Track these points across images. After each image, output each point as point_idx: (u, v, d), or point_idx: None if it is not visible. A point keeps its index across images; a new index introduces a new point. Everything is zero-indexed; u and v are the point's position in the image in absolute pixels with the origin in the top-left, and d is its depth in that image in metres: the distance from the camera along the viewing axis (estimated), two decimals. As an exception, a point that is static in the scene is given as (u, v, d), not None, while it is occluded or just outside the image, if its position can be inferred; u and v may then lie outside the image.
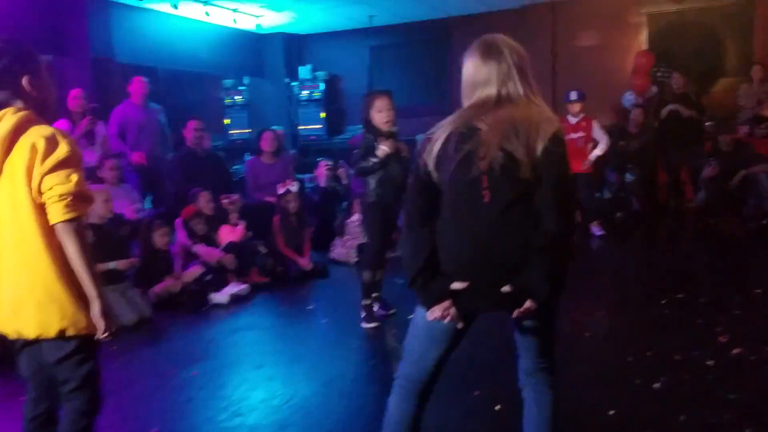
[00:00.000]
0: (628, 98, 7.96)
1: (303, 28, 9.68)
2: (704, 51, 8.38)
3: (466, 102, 1.93)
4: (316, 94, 9.77)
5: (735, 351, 3.28)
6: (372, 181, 3.91)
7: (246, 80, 9.62)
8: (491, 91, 1.88)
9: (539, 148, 1.77)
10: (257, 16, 8.50)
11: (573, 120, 6.49)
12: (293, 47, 10.18)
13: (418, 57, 10.01)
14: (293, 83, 9.92)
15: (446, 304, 1.81)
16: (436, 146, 1.87)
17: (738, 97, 7.89)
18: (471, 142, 1.82)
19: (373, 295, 4.08)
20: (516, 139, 1.77)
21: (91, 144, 5.92)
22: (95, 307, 1.81)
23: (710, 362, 3.17)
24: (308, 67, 9.91)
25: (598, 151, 6.41)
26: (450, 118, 1.91)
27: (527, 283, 1.76)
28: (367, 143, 3.90)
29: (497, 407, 2.77)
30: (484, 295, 1.83)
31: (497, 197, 1.78)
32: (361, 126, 4.07)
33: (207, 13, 7.83)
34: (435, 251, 1.85)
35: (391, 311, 4.17)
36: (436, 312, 1.81)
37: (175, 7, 7.49)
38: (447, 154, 1.84)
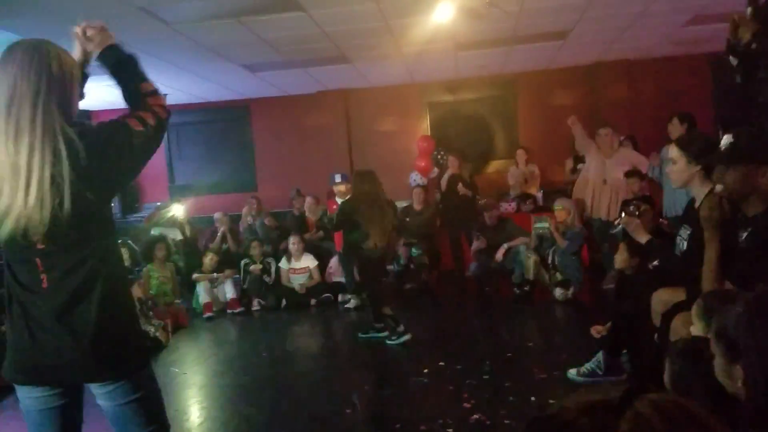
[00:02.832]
0: (414, 178, 8.62)
1: (89, 103, 9.27)
2: (477, 136, 9.40)
3: None
4: (108, 172, 9.34)
5: (474, 417, 3.55)
6: None
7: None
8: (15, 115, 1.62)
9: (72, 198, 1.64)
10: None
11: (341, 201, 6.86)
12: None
13: (219, 135, 10.04)
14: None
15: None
16: None
17: (507, 177, 8.92)
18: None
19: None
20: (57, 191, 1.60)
21: None
22: None
23: (450, 430, 3.40)
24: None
25: None
26: None
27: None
28: None
29: None
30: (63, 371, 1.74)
31: (55, 276, 1.70)
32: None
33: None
34: None
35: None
36: None
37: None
38: None
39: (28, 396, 1.78)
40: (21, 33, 5.48)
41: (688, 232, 3.21)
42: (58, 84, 1.67)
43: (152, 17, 5.35)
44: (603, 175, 6.71)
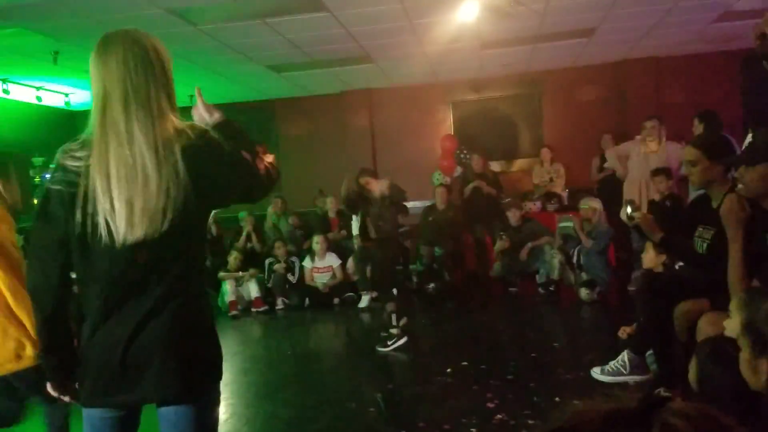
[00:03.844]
0: (437, 178, 8.60)
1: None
2: (501, 135, 9.34)
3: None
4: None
5: (498, 417, 3.53)
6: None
7: (58, 158, 9.10)
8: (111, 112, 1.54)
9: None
10: (66, 94, 8.17)
11: None
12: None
13: (244, 135, 10.14)
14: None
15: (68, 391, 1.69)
16: (95, 170, 1.53)
17: (532, 176, 8.87)
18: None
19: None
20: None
21: None
22: None
23: (474, 429, 3.38)
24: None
25: None
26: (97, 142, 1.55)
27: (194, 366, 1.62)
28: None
29: None
30: (131, 385, 1.60)
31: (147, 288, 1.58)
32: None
33: (6, 91, 7.39)
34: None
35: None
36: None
37: (-32, 83, 7.01)
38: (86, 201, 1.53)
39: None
40: (56, 36, 5.61)
41: (711, 233, 3.18)
42: (163, 77, 1.60)
43: (180, 19, 5.44)
44: (649, 172, 6.49)
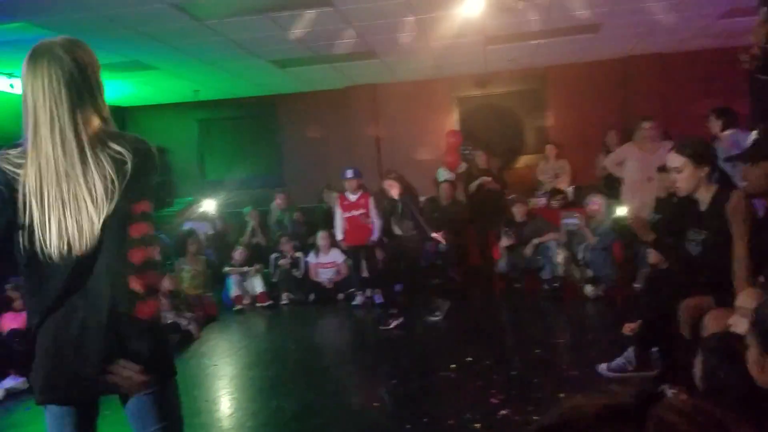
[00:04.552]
0: (442, 173, 8.58)
1: (126, 100, 9.46)
2: (506, 131, 9.31)
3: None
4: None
5: (502, 412, 3.53)
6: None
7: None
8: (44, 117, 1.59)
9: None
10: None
11: (352, 197, 6.90)
12: (115, 119, 9.82)
13: (247, 131, 10.13)
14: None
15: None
16: (30, 182, 1.58)
17: (537, 172, 8.84)
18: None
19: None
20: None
21: None
22: None
23: (478, 425, 3.39)
24: (132, 138, 9.64)
25: (374, 236, 6.91)
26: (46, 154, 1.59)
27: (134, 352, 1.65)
28: None
29: None
30: (78, 382, 1.64)
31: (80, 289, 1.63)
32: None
33: (12, 86, 7.41)
34: None
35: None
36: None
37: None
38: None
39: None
40: (61, 31, 5.60)
41: (702, 238, 3.18)
42: (89, 88, 1.66)
43: (184, 14, 5.43)
44: (648, 172, 6.22)
